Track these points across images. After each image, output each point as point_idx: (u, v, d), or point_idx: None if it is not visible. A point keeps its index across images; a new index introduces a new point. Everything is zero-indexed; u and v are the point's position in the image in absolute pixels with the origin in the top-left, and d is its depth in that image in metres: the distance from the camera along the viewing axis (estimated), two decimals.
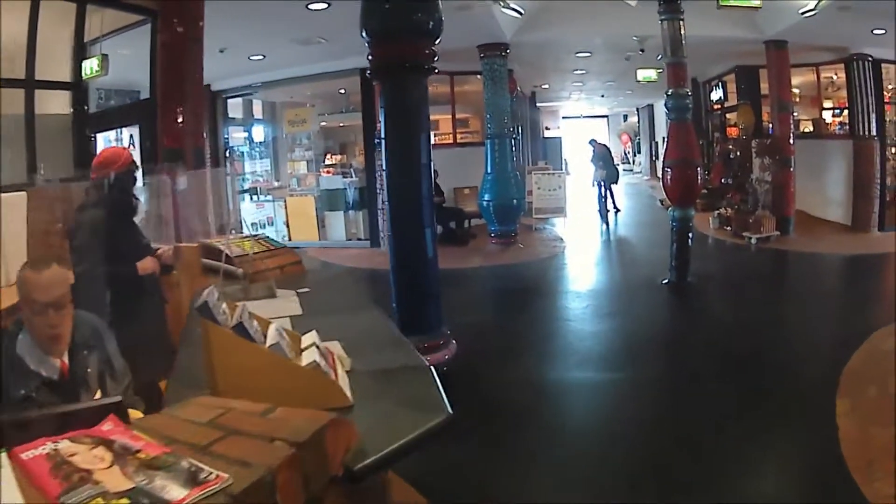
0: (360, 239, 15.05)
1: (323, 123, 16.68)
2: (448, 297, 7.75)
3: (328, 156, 16.84)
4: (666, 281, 10.53)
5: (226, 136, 16.85)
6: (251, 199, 16.50)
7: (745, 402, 6.06)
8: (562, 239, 15.65)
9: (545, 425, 5.78)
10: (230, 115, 16.89)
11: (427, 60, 6.52)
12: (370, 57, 6.49)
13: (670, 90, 10.29)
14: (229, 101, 16.68)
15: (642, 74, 17.01)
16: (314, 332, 2.99)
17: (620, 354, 7.74)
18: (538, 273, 12.48)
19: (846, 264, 12.89)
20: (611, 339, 8.35)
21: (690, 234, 10.39)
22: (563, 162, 34.47)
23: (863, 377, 6.33)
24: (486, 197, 14.22)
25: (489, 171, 14.25)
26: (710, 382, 6.64)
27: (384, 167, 6.95)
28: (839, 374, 6.37)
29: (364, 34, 6.38)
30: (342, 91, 15.62)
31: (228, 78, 15.28)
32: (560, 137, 36.71)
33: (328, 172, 16.10)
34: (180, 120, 7.64)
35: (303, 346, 2.87)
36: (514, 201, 14.39)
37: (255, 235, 6.94)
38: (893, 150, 15.63)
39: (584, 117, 40.35)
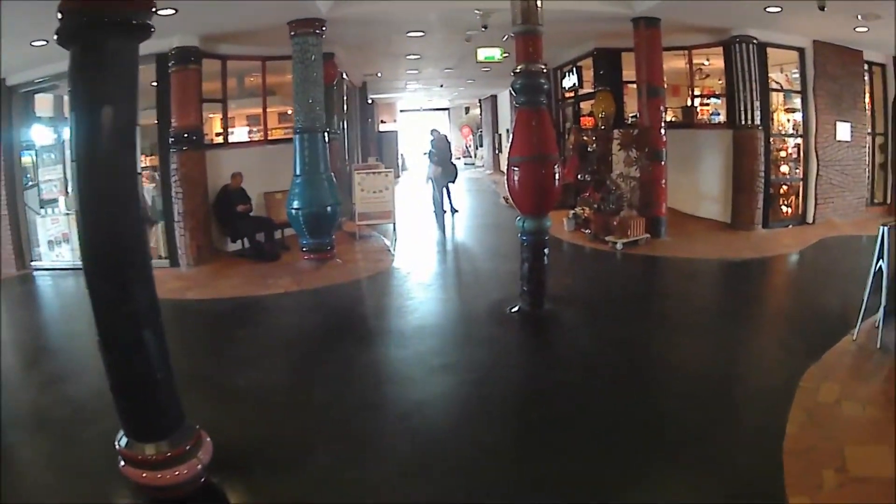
0: (161, 257, 12.39)
1: None
2: (224, 346, 7.01)
3: (141, 158, 14.03)
4: (516, 309, 8.82)
5: (25, 138, 13.79)
6: (47, 212, 13.66)
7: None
8: (390, 250, 13.46)
9: None
10: (37, 114, 13.95)
11: (140, 13, 4.27)
12: (60, 13, 4.12)
13: (520, 67, 8.33)
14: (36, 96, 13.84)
15: (484, 54, 14.86)
16: None
17: (454, 450, 5.34)
18: (354, 302, 10.17)
19: (730, 271, 11.55)
20: (439, 420, 5.93)
21: (546, 250, 8.66)
22: (400, 157, 33.47)
23: (812, 456, 4.93)
24: (295, 204, 11.89)
25: (298, 172, 11.97)
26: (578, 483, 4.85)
27: (74, 185, 4.62)
28: (751, 433, 5.39)
29: None
30: (154, 83, 13.15)
31: (26, 70, 12.72)
32: (396, 131, 35.33)
33: (142, 177, 13.35)
34: None
35: None
36: (328, 209, 12.05)
37: None
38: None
39: (424, 110, 39.70)
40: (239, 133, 14.64)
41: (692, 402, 6.07)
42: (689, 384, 6.52)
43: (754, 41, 13.97)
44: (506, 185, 9.04)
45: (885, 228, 7.00)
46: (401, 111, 38.21)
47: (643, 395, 6.33)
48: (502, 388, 6.63)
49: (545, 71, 8.55)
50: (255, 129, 14.88)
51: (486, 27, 12.14)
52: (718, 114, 15.63)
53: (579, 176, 14.99)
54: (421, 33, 13.92)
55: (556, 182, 8.62)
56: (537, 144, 8.37)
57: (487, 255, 13.57)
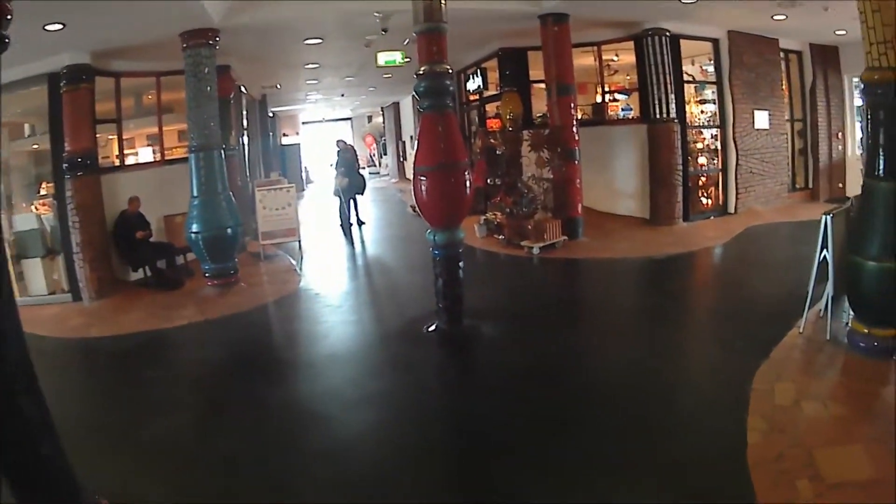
0: (63, 291, 11.58)
1: (35, 146, 12.82)
2: (127, 391, 6.63)
3: (42, 185, 13.14)
4: (433, 328, 8.36)
5: None
6: None
7: None
8: (297, 270, 12.81)
9: None
10: None
11: None
12: None
13: (423, 68, 7.88)
14: None
15: (384, 58, 14.14)
16: None
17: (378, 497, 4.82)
18: (261, 331, 9.51)
19: (656, 269, 11.31)
20: (358, 465, 5.27)
21: (461, 264, 8.19)
22: (304, 171, 33.06)
23: (781, 465, 4.67)
24: (194, 228, 11.20)
25: (195, 194, 11.30)
26: None
27: None
28: (711, 447, 5.10)
29: None
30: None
31: None
32: (299, 144, 34.70)
33: (44, 205, 12.40)
34: None
35: None
36: (228, 230, 11.39)
37: None
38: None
39: (327, 121, 39.40)
40: (143, 154, 13.84)
41: (639, 422, 5.65)
42: (633, 401, 6.11)
43: (667, 33, 13.85)
44: (413, 196, 8.42)
45: (828, 217, 6.88)
46: (303, 123, 37.54)
47: (578, 422, 5.80)
48: (423, 423, 6.06)
49: (450, 72, 8.10)
50: (157, 150, 14.04)
51: (385, 30, 11.54)
52: (629, 109, 15.49)
53: (489, 180, 14.52)
54: (319, 40, 13.35)
55: (468, 190, 8.16)
56: (445, 151, 7.90)
57: (399, 268, 13.16)
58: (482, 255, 12.96)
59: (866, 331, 6.55)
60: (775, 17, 13.26)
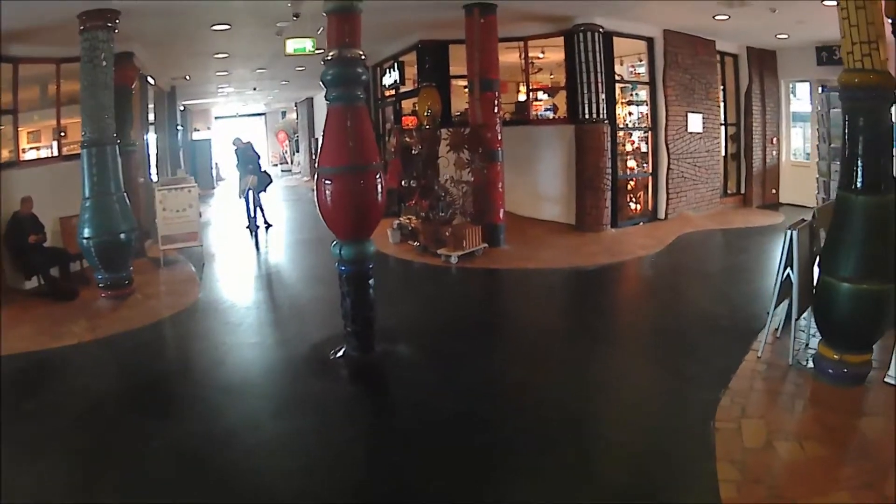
0: None
1: None
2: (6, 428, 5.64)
3: None
4: (341, 354, 7.49)
5: None
6: None
7: None
8: (198, 278, 11.86)
9: None
10: None
11: None
12: None
13: (332, 53, 6.98)
14: None
15: (293, 46, 12.82)
16: None
17: None
18: (152, 354, 8.41)
19: (587, 281, 10.78)
20: None
21: (371, 281, 7.37)
22: (215, 167, 32.46)
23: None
24: (86, 233, 10.29)
25: (86, 195, 10.38)
26: None
27: None
28: None
29: None
30: None
31: None
32: (210, 140, 33.47)
33: None
34: None
35: None
36: (122, 236, 10.49)
37: None
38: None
39: (240, 116, 38.80)
40: (46, 149, 12.79)
41: (585, 473, 5.02)
42: (576, 445, 5.40)
43: (600, 30, 13.42)
44: (315, 201, 7.40)
45: (794, 233, 6.49)
46: (216, 118, 36.49)
47: (510, 470, 5.10)
48: (330, 482, 5.15)
49: (363, 58, 7.20)
50: (57, 144, 12.94)
51: (297, 16, 10.90)
52: (552, 109, 15.15)
53: (403, 182, 13.64)
54: (227, 26, 12.56)
55: (380, 196, 7.25)
56: (355, 151, 7.02)
57: (306, 279, 12.19)
58: (396, 263, 12.23)
59: (837, 357, 6.20)
60: (717, 17, 13.02)
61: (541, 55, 15.32)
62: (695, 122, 15.45)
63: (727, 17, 12.85)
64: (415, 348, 7.91)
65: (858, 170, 5.98)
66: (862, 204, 5.97)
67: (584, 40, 13.43)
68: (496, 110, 12.60)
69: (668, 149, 14.84)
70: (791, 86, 17.99)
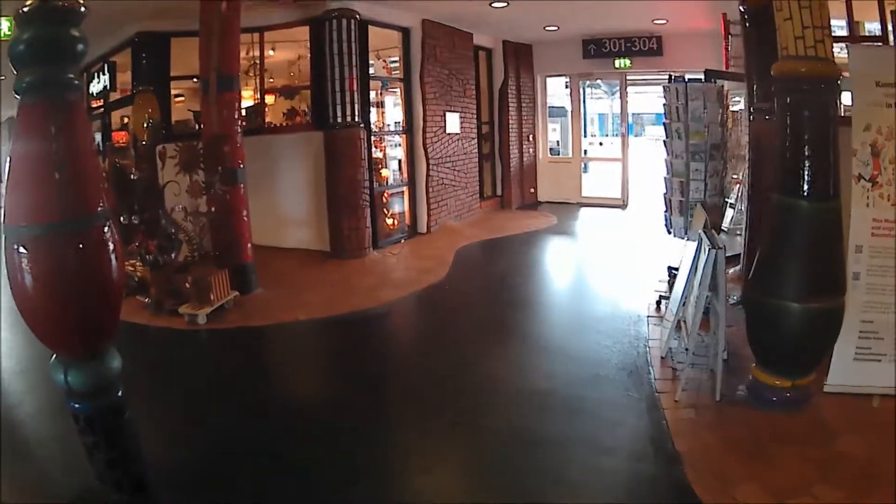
0: None
1: None
2: None
3: None
4: None
5: None
6: None
7: None
8: None
9: None
10: None
11: None
12: None
13: (30, 3, 3.69)
14: None
15: None
16: None
17: None
18: None
19: (387, 330, 8.47)
20: None
21: (128, 414, 4.44)
22: None
23: None
24: None
25: None
26: None
27: None
28: None
29: None
30: None
31: None
32: None
33: None
34: None
35: None
36: None
37: None
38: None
39: None
40: None
41: None
42: None
43: (356, 17, 11.29)
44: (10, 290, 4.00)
45: (718, 252, 5.75)
46: None
47: None
48: None
49: (84, 13, 3.95)
50: None
51: None
52: (296, 112, 12.95)
53: (122, 218, 9.96)
54: None
55: (115, 267, 4.11)
56: (66, 191, 3.86)
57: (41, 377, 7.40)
58: (124, 330, 8.79)
59: (778, 383, 5.65)
60: (494, 5, 11.68)
61: (271, 52, 12.94)
62: (452, 123, 13.91)
63: (506, 3, 11.55)
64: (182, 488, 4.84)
65: (805, 172, 5.36)
66: (810, 211, 5.38)
67: (338, 28, 11.22)
68: (237, 116, 9.85)
69: (426, 153, 13.12)
70: (549, 81, 17.85)
